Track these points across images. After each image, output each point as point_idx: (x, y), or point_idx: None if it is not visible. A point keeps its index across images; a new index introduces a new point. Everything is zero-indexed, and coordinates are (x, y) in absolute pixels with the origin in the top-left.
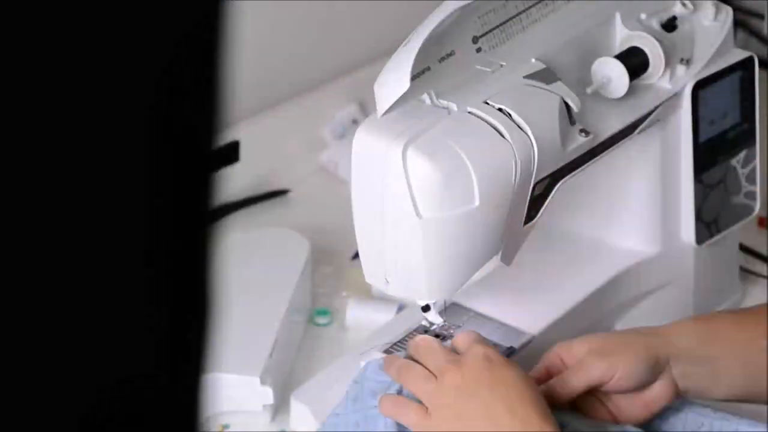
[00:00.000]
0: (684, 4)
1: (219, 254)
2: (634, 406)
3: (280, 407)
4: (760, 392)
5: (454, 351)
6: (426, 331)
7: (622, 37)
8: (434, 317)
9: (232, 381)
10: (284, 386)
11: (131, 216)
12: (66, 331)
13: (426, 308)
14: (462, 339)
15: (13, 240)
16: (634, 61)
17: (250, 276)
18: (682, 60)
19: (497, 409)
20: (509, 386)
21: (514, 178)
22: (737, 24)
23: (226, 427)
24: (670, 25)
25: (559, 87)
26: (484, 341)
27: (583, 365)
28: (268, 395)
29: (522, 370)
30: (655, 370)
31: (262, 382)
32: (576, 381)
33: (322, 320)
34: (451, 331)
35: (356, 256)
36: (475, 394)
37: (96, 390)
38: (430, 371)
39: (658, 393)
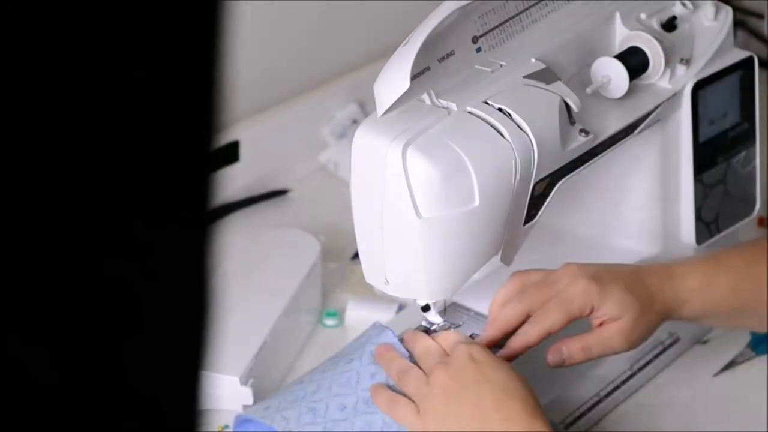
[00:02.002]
0: (684, 4)
1: (221, 254)
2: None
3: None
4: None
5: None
6: (426, 330)
7: (622, 37)
8: (434, 317)
9: (213, 379)
10: (279, 386)
11: (131, 216)
12: (64, 331)
13: (426, 308)
14: (445, 339)
15: (11, 240)
16: (634, 61)
17: (256, 276)
18: (682, 60)
19: (485, 408)
20: (495, 385)
21: (514, 178)
22: (737, 24)
23: (225, 427)
24: (670, 24)
25: (559, 87)
26: (468, 340)
27: (608, 341)
28: (248, 396)
29: (509, 366)
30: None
31: (243, 383)
32: (596, 352)
33: (330, 322)
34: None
35: (356, 256)
36: (462, 394)
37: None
38: (423, 375)
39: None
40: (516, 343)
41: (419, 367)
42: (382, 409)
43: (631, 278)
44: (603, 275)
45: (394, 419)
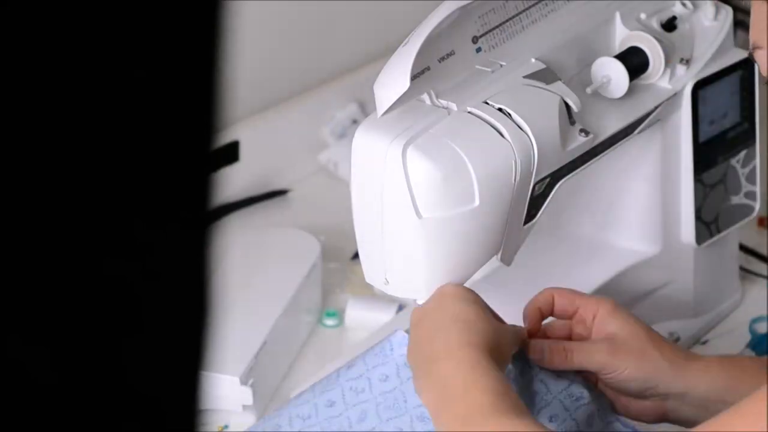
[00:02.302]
0: (684, 4)
1: (221, 254)
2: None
3: (274, 407)
4: None
5: None
6: None
7: (622, 37)
8: None
9: (213, 379)
10: (279, 386)
11: (131, 216)
12: (64, 331)
13: None
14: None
15: (12, 240)
16: (634, 61)
17: (256, 276)
18: (682, 60)
19: (436, 343)
20: (457, 321)
21: (514, 178)
22: (737, 24)
23: (225, 427)
24: (670, 24)
25: (559, 87)
26: (455, 285)
27: (592, 352)
28: (248, 396)
29: (483, 306)
30: (651, 390)
31: (243, 383)
32: (576, 360)
33: (330, 322)
34: None
35: (356, 256)
36: (421, 325)
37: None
38: None
39: (646, 408)
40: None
41: None
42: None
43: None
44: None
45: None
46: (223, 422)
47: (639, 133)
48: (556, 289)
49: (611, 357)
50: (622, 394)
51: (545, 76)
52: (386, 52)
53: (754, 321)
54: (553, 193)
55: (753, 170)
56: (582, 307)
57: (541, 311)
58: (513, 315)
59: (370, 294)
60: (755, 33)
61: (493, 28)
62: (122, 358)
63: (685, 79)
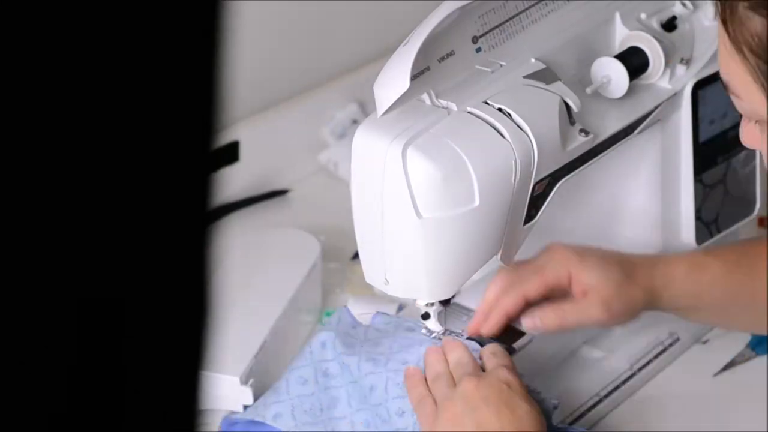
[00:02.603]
0: (684, 4)
1: (221, 254)
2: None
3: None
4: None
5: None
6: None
7: (622, 37)
8: (434, 325)
9: (213, 379)
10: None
11: (131, 216)
12: (64, 330)
13: (426, 316)
14: (490, 357)
15: (11, 239)
16: (634, 61)
17: (257, 276)
18: (682, 60)
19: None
20: (513, 416)
21: (514, 178)
22: None
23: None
24: (670, 24)
25: (559, 87)
26: (513, 368)
27: (586, 310)
28: (248, 395)
29: (536, 408)
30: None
31: (243, 383)
32: (571, 318)
33: None
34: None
35: (356, 256)
36: (478, 409)
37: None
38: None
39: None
40: (494, 315)
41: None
42: (412, 404)
43: (613, 254)
44: (584, 250)
45: (416, 414)
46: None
47: (639, 133)
48: (517, 286)
49: (606, 311)
50: None
51: (545, 76)
52: (386, 52)
53: None
54: (553, 193)
55: (753, 170)
56: (555, 282)
57: (508, 317)
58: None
59: (370, 294)
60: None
61: (493, 28)
62: (122, 358)
63: (685, 79)
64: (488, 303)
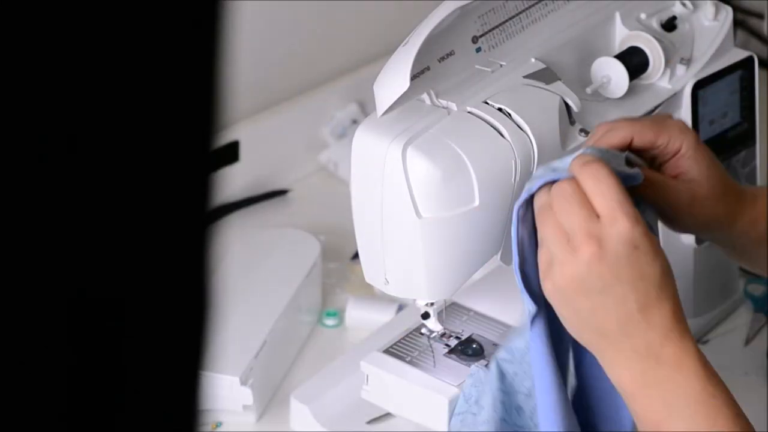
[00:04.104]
0: (684, 4)
1: (221, 254)
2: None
3: (274, 407)
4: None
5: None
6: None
7: (622, 37)
8: (434, 325)
9: (213, 379)
10: (279, 386)
11: (131, 216)
12: (63, 330)
13: (426, 315)
14: (605, 201)
15: (12, 239)
16: (634, 61)
17: (257, 276)
18: (682, 60)
19: (630, 308)
20: (650, 282)
21: (514, 178)
22: (737, 24)
23: (218, 425)
24: (669, 24)
25: (559, 87)
26: (630, 207)
27: (673, 186)
28: (247, 396)
29: (667, 260)
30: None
31: (243, 383)
32: (657, 178)
33: (330, 322)
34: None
35: (356, 256)
36: (612, 287)
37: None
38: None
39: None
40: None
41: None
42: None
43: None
44: (701, 143)
45: (539, 223)
46: (217, 419)
47: None
48: (631, 124)
49: (687, 206)
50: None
51: (545, 76)
52: (386, 52)
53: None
54: None
55: (753, 170)
56: (663, 144)
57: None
58: (513, 315)
59: (370, 294)
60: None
61: (493, 28)
62: (122, 358)
63: (685, 79)
64: (600, 131)
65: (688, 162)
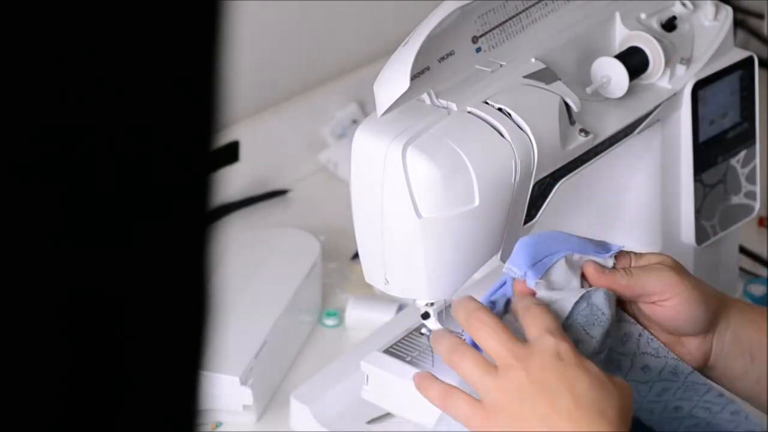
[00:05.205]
0: (684, 4)
1: (221, 254)
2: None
3: (274, 407)
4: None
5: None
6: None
7: (622, 37)
8: (434, 325)
9: (213, 379)
10: (279, 386)
11: (131, 215)
12: (63, 330)
13: (425, 315)
14: (531, 321)
15: (11, 238)
16: (634, 61)
17: (257, 276)
18: (681, 60)
19: (557, 417)
20: (576, 392)
21: (514, 178)
22: (737, 24)
23: (218, 425)
24: (669, 24)
25: (559, 87)
26: (557, 330)
27: (653, 270)
28: (247, 396)
29: (595, 369)
30: (707, 320)
31: (243, 383)
32: (641, 279)
33: (330, 322)
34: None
35: (356, 256)
36: (537, 397)
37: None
38: (485, 360)
39: (692, 348)
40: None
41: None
42: (434, 403)
43: (718, 298)
44: (699, 283)
45: (447, 413)
46: (216, 419)
47: (639, 133)
48: (627, 277)
49: (681, 280)
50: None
51: (545, 76)
52: (386, 52)
53: (750, 282)
54: (553, 193)
55: (753, 170)
56: (655, 297)
57: None
58: None
59: (370, 294)
60: None
61: (493, 28)
62: (122, 358)
63: (685, 79)
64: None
65: (675, 310)
